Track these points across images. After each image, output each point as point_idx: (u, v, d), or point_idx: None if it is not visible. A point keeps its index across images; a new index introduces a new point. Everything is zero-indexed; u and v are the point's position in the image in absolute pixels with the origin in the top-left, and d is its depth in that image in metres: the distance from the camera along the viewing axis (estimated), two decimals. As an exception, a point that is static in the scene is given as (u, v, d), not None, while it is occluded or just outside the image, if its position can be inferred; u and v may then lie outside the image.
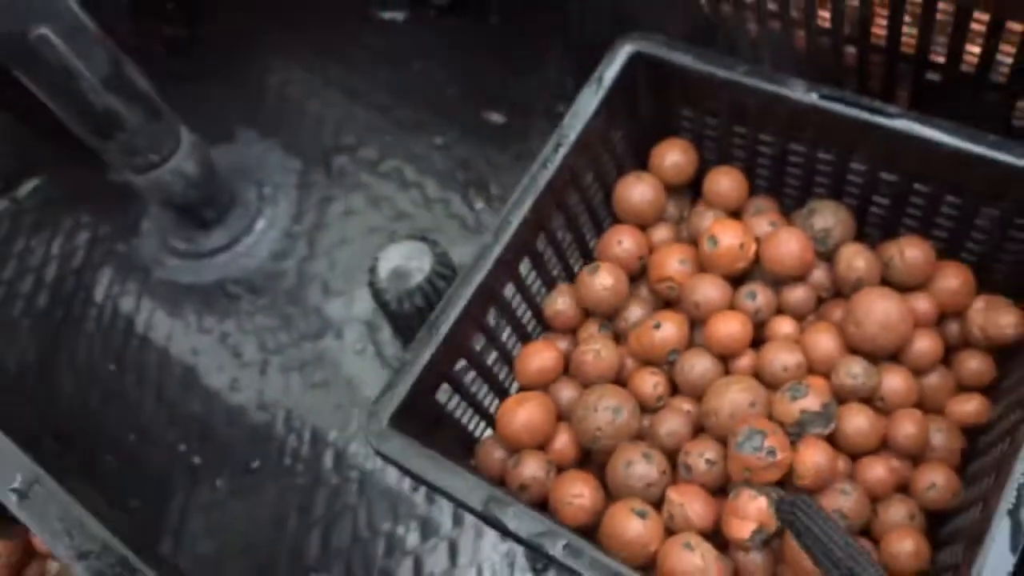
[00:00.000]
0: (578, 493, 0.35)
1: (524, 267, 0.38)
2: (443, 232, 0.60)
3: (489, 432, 0.40)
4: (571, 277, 0.41)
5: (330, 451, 0.55)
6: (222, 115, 0.69)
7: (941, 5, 0.34)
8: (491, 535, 0.51)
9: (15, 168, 0.72)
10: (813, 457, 0.32)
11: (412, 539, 0.51)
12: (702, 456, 0.34)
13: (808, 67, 0.44)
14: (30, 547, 0.42)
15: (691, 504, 0.33)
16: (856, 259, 0.37)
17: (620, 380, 0.38)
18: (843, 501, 0.33)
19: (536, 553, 0.31)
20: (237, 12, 0.74)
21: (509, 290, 0.38)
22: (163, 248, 0.65)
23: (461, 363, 0.36)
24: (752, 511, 0.32)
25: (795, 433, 0.33)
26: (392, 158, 0.65)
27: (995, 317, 0.35)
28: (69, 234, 0.68)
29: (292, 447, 0.56)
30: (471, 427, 0.39)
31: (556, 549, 0.30)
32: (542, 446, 0.37)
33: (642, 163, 0.42)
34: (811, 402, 0.33)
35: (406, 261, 0.50)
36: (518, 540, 0.31)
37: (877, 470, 0.34)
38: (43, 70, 0.50)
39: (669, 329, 0.37)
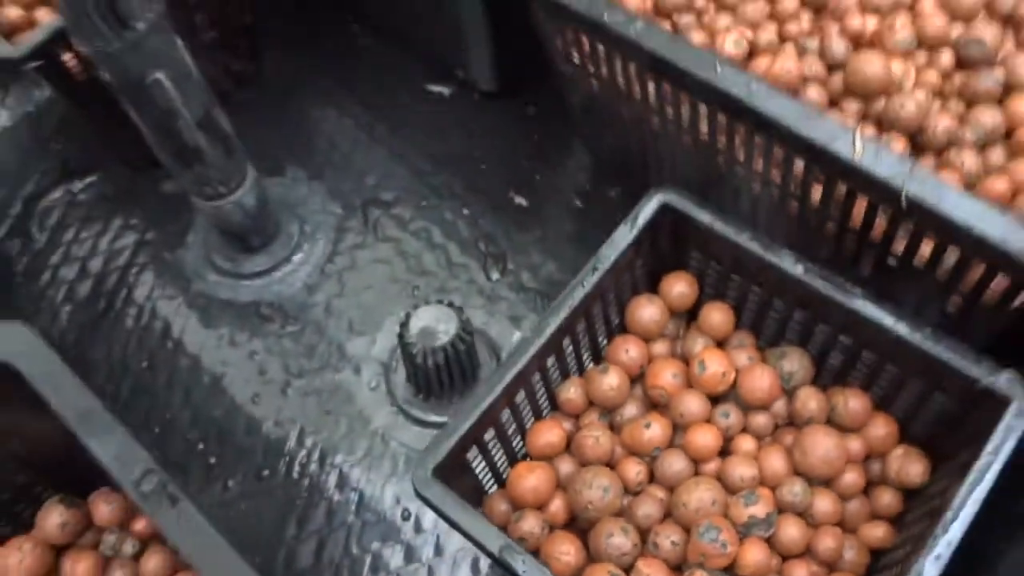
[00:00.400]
0: (566, 551, 0.43)
1: (550, 360, 0.47)
2: (460, 293, 0.69)
3: (495, 488, 0.48)
4: (582, 370, 0.50)
5: (335, 472, 0.62)
6: (276, 150, 0.77)
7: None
8: (465, 567, 0.59)
9: (77, 161, 0.78)
10: (755, 555, 0.42)
11: (396, 561, 0.59)
12: (668, 538, 0.43)
13: (796, 227, 0.54)
14: (90, 519, 0.49)
15: (654, 575, 0.42)
16: (810, 400, 0.46)
17: (610, 463, 0.47)
18: (772, 591, 0.42)
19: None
20: (298, 57, 0.83)
21: (536, 378, 0.46)
22: (206, 263, 0.72)
23: (491, 432, 0.45)
24: (700, 591, 0.41)
25: (743, 532, 0.42)
26: (423, 219, 0.73)
27: (908, 465, 0.45)
28: (117, 233, 0.75)
29: (301, 463, 0.63)
30: (484, 481, 0.47)
31: (551, 594, 0.39)
32: (541, 507, 0.45)
33: (654, 287, 0.51)
34: (759, 509, 0.42)
35: (435, 322, 0.59)
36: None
37: (800, 571, 0.43)
38: (151, 108, 0.57)
39: (656, 430, 0.46)
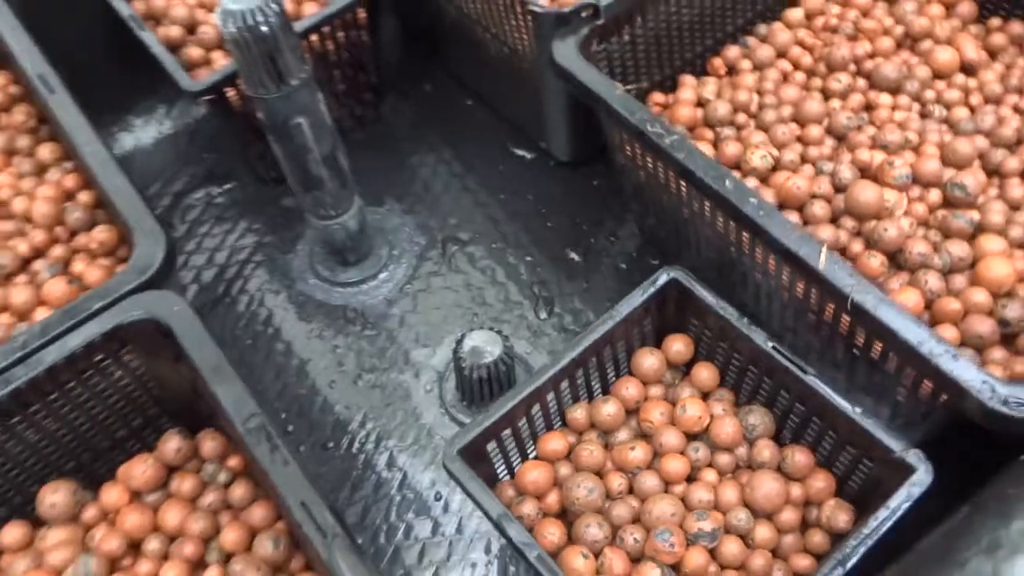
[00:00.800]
0: (552, 532, 0.56)
1: (564, 384, 0.60)
2: (511, 325, 0.82)
3: (507, 477, 0.61)
4: (591, 397, 0.63)
5: (386, 454, 0.76)
6: (380, 184, 0.92)
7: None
8: (480, 546, 0.71)
9: (218, 171, 0.95)
10: (697, 559, 0.53)
11: (424, 532, 0.72)
12: (632, 535, 0.55)
13: (787, 313, 0.66)
14: (197, 451, 0.64)
15: (617, 560, 0.54)
16: (765, 450, 0.58)
17: (599, 472, 0.59)
18: (705, 589, 0.54)
19: (519, 555, 0.52)
20: (412, 110, 0.99)
21: (551, 397, 0.60)
22: (309, 269, 0.87)
23: (507, 431, 0.58)
24: (650, 575, 0.53)
25: (691, 539, 0.54)
26: (490, 259, 0.87)
27: (837, 513, 0.56)
28: (242, 233, 0.91)
29: (360, 441, 0.77)
30: (499, 470, 0.60)
31: (532, 556, 0.51)
32: (539, 497, 0.58)
33: (659, 343, 0.64)
34: (707, 524, 0.54)
35: (483, 344, 0.72)
36: (510, 543, 0.52)
37: (733, 580, 0.55)
38: (289, 143, 0.72)
39: (639, 453, 0.59)
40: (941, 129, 0.73)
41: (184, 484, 0.62)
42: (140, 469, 0.61)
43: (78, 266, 0.71)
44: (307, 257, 0.88)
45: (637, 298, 0.60)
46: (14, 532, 0.60)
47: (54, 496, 0.60)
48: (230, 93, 0.81)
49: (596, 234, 0.88)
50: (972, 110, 0.75)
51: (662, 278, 0.61)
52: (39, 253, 0.72)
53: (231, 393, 0.56)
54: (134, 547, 0.60)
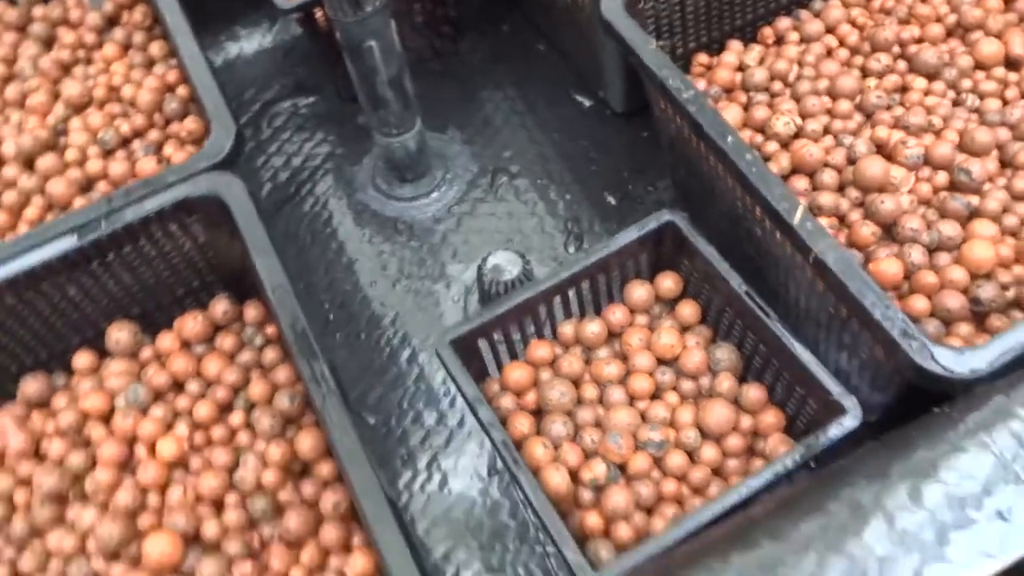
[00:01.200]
0: (522, 424, 0.63)
1: (557, 301, 0.68)
2: (539, 252, 0.89)
3: (495, 374, 0.69)
4: (583, 316, 0.70)
5: (409, 350, 0.85)
6: (446, 112, 1.00)
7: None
8: (474, 440, 0.80)
9: (305, 84, 1.05)
10: (640, 462, 0.60)
11: (430, 421, 0.81)
12: (590, 436, 0.62)
13: (776, 265, 0.71)
14: (241, 315, 0.74)
15: (572, 453, 0.61)
16: (725, 381, 0.64)
17: (576, 381, 0.66)
18: (642, 488, 0.60)
19: (487, 435, 0.61)
20: (486, 46, 1.06)
21: (543, 309, 0.67)
22: (370, 181, 0.97)
23: (499, 334, 0.66)
24: (596, 469, 0.60)
25: (640, 445, 0.61)
26: (534, 192, 0.94)
27: (778, 447, 0.62)
28: (318, 143, 1.01)
29: (388, 336, 0.86)
30: (488, 367, 0.68)
31: (496, 438, 0.59)
32: (518, 394, 0.66)
33: (651, 276, 0.70)
34: (656, 435, 0.61)
35: (505, 263, 0.80)
36: (480, 424, 0.60)
37: (671, 485, 0.61)
38: (360, 64, 0.81)
39: (613, 369, 0.66)
40: (969, 118, 0.76)
41: (226, 341, 0.72)
42: (191, 323, 0.72)
43: (168, 149, 0.82)
44: (370, 171, 0.97)
45: (633, 233, 0.67)
46: (84, 358, 0.72)
47: (119, 333, 0.71)
48: (317, 14, 0.90)
49: (636, 182, 0.94)
50: (1006, 103, 0.77)
51: (660, 219, 0.67)
52: (138, 134, 0.83)
53: (267, 265, 0.65)
54: (177, 386, 0.71)
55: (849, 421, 0.56)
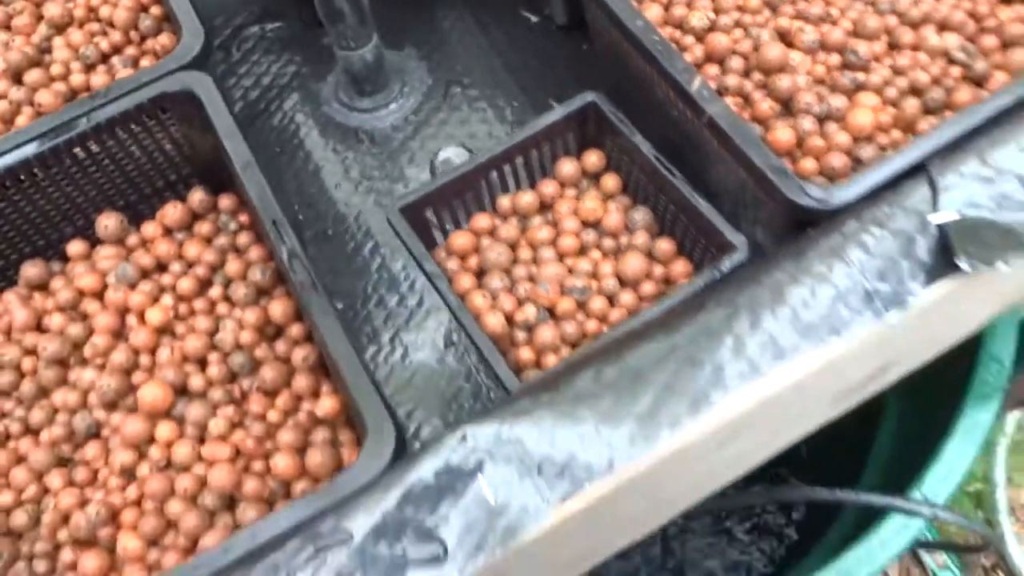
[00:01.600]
0: (466, 281, 0.72)
1: (494, 176, 0.76)
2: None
3: (441, 241, 0.78)
4: (518, 187, 0.79)
5: (372, 242, 0.93)
6: (403, 30, 1.08)
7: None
8: (435, 316, 0.89)
9: (273, 10, 1.13)
10: (566, 304, 0.70)
11: (392, 302, 0.89)
12: (524, 286, 0.72)
13: (685, 140, 0.79)
14: (216, 206, 0.83)
15: (507, 300, 0.71)
16: (639, 238, 0.73)
17: (513, 245, 0.75)
18: (568, 326, 0.70)
19: (434, 288, 0.70)
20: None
21: (482, 184, 0.76)
22: (333, 96, 1.05)
23: (444, 207, 0.75)
24: (528, 311, 0.69)
25: (567, 291, 0.71)
26: (484, 101, 1.02)
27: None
28: (285, 63, 1.09)
29: (353, 231, 0.95)
30: (435, 235, 0.77)
31: (442, 287, 0.69)
32: (463, 258, 0.75)
33: (579, 154, 0.79)
34: (580, 283, 0.70)
35: (454, 156, 0.89)
36: (427, 276, 0.69)
37: (594, 324, 0.71)
38: (317, -23, 0.89)
39: (545, 233, 0.75)
40: (865, 9, 0.85)
41: (203, 227, 0.81)
42: (172, 211, 0.81)
43: (144, 63, 0.90)
44: (333, 86, 1.05)
45: (560, 112, 0.75)
46: (77, 246, 0.81)
47: (108, 220, 0.80)
48: (278, -62, 0.97)
49: (577, 88, 1.01)
50: (901, -4, 0.85)
51: (584, 100, 0.76)
52: (116, 50, 0.91)
53: (236, 148, 0.74)
54: (161, 267, 0.80)
55: (738, 256, 0.66)
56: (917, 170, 0.61)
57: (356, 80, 1.02)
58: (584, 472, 0.53)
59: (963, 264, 0.55)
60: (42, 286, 0.80)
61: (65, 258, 0.81)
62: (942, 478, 0.85)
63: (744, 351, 0.55)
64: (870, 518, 0.81)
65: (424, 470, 0.54)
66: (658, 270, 0.73)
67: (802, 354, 0.55)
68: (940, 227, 0.57)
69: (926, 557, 2.00)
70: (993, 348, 0.91)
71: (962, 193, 0.59)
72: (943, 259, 0.57)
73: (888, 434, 1.08)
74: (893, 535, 0.82)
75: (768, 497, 0.80)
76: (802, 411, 0.61)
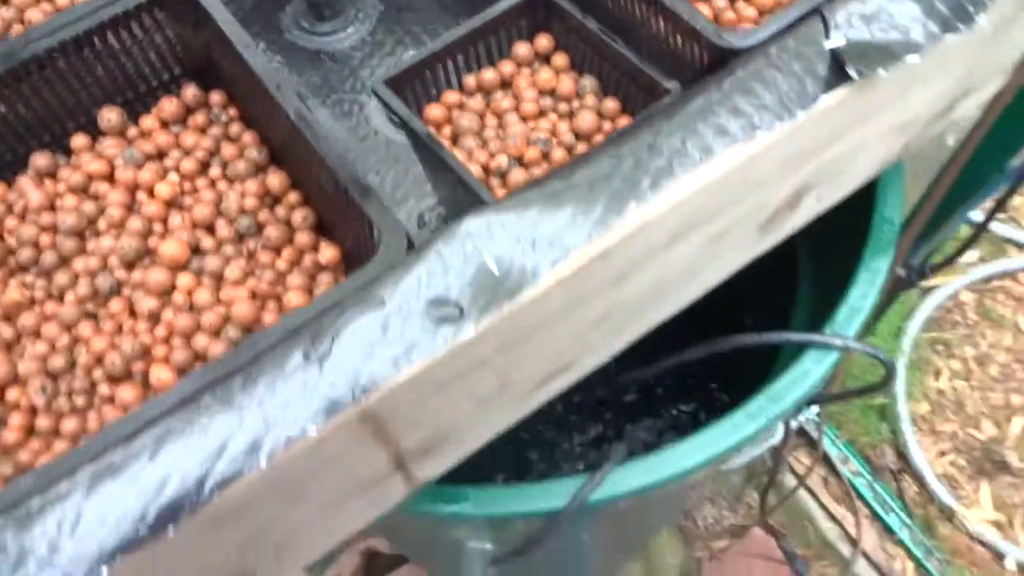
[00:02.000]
0: (445, 144, 0.84)
1: (460, 57, 0.88)
2: (443, 69, 1.10)
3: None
4: (480, 67, 0.91)
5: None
6: (351, -31, 1.19)
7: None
8: (412, 198, 1.00)
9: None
10: (533, 153, 0.82)
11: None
12: (491, 143, 0.83)
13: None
14: (207, 101, 0.92)
15: (481, 155, 0.82)
16: (589, 99, 0.86)
17: (480, 116, 0.87)
18: (536, 170, 0.82)
19: (409, 134, 0.81)
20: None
21: (450, 63, 0.87)
22: (295, 22, 1.15)
23: (418, 83, 0.86)
24: (500, 159, 0.81)
25: (532, 142, 0.83)
26: (433, 24, 1.14)
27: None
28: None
29: (325, 136, 1.05)
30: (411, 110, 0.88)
31: (418, 128, 0.80)
32: (438, 128, 0.86)
33: (531, 38, 0.91)
34: (543, 136, 0.83)
35: (416, 59, 1.00)
36: (414, 131, 0.80)
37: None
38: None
39: (507, 103, 0.87)
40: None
41: (197, 118, 0.90)
42: (168, 105, 0.89)
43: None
44: (295, 15, 1.15)
45: (509, 3, 0.88)
46: (81, 139, 0.88)
47: (110, 114, 0.88)
48: None
49: None
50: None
51: (533, -11, 0.88)
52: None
53: (234, 31, 0.83)
54: (160, 156, 0.88)
55: (670, 98, 0.79)
56: (812, 13, 0.76)
57: (314, 5, 1.12)
58: (570, 242, 0.65)
59: (852, 73, 0.70)
60: (51, 174, 0.87)
61: (69, 153, 0.89)
62: (849, 317, 1.01)
63: (686, 147, 0.68)
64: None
65: (435, 254, 0.65)
66: (607, 125, 0.85)
67: (731, 147, 0.69)
68: (833, 50, 0.72)
69: (841, 467, 2.20)
70: (885, 212, 1.08)
71: (847, 25, 0.74)
72: (838, 72, 0.71)
73: (805, 300, 1.24)
74: (814, 364, 0.97)
75: (703, 350, 0.94)
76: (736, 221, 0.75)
